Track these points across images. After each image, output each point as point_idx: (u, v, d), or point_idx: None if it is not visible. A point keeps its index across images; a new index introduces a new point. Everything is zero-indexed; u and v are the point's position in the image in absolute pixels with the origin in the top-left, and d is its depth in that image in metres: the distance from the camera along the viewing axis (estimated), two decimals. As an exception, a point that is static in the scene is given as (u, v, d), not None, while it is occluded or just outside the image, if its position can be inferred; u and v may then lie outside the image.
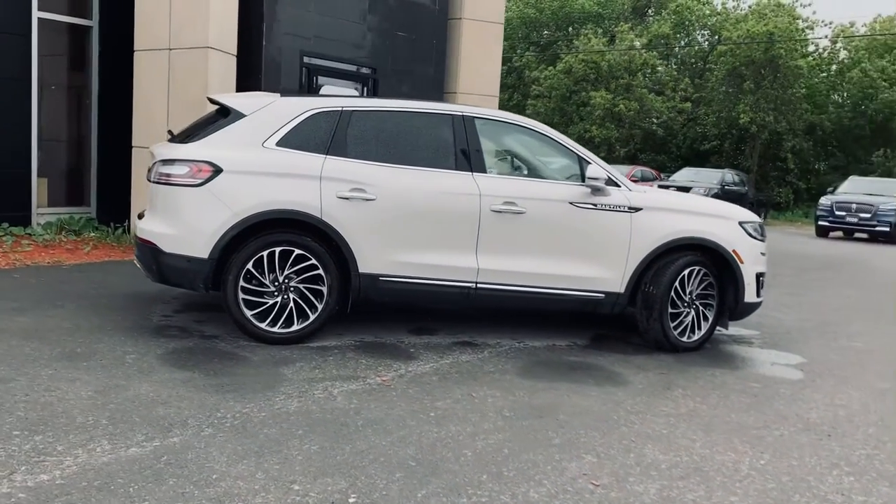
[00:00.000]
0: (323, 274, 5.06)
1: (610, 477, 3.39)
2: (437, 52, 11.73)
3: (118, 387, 4.04)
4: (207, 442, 3.44)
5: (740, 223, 5.91)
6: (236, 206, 4.91)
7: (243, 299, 4.98)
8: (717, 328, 6.00)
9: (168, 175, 5.00)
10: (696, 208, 5.91)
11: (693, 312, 5.77)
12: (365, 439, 3.60)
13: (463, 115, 5.52)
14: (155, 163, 5.15)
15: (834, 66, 35.24)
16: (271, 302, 5.03)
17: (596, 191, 5.53)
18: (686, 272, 5.67)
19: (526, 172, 5.71)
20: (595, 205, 5.54)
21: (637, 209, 5.60)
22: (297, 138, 5.15)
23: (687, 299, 5.72)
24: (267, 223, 5.00)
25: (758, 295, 5.96)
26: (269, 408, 3.92)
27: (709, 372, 5.32)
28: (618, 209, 5.57)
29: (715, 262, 5.80)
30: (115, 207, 9.52)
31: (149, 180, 5.37)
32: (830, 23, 36.26)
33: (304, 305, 5.09)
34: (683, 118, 35.83)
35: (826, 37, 35.19)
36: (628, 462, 3.59)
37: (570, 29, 40.78)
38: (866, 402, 4.87)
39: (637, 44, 35.52)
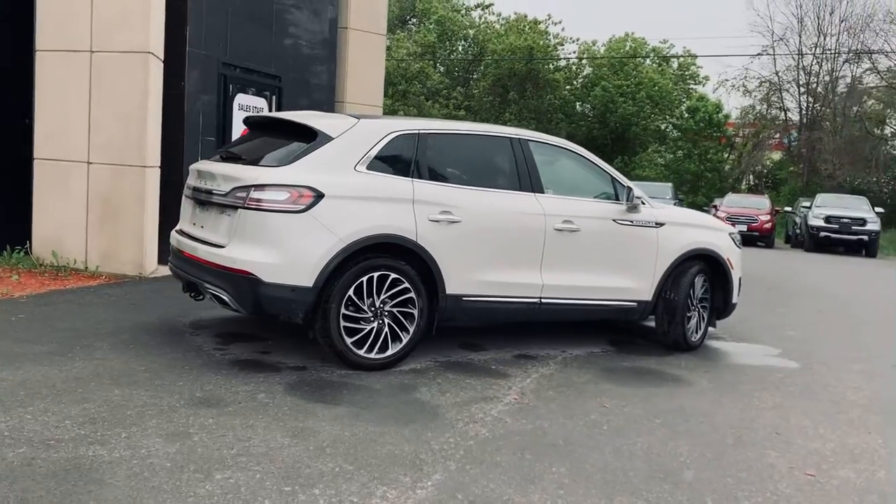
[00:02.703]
0: (415, 297, 5.05)
1: (811, 467, 3.90)
2: (329, 61, 11.59)
3: (304, 430, 3.83)
4: (467, 475, 3.45)
5: (729, 234, 6.74)
6: (341, 231, 4.76)
7: (344, 327, 4.85)
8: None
9: (260, 200, 4.71)
10: (700, 222, 6.66)
11: (696, 315, 6.48)
12: (589, 457, 3.79)
13: (519, 139, 5.75)
14: (235, 187, 4.81)
15: (579, 82, 38.98)
16: (368, 328, 4.94)
17: (632, 208, 6.02)
18: (696, 279, 6.36)
19: (571, 192, 6.03)
20: (632, 221, 6.03)
21: (661, 224, 6.18)
22: (384, 162, 5.09)
23: (695, 303, 6.40)
24: (364, 249, 4.89)
25: (737, 296, 6.82)
26: (465, 435, 3.95)
27: (733, 366, 6.07)
28: (648, 225, 6.11)
29: (711, 268, 6.55)
30: (6, 227, 8.38)
31: (207, 203, 5.05)
32: (578, 39, 40.11)
33: (396, 329, 5.05)
34: (456, 126, 37.63)
35: (574, 53, 38.87)
36: (801, 452, 4.12)
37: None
38: (869, 382, 5.83)
39: (404, 51, 36.75)
